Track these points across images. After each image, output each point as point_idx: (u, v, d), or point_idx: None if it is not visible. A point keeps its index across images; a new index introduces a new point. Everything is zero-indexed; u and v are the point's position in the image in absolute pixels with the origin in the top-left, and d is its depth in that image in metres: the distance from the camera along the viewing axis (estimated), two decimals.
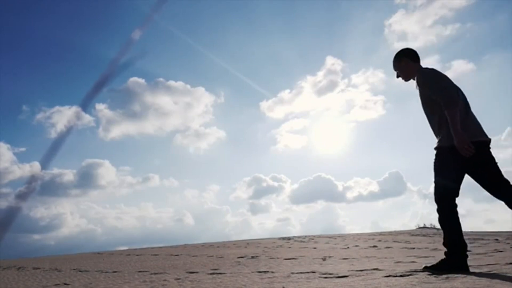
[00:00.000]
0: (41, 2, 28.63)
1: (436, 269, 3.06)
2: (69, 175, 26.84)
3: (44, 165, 0.73)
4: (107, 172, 27.58)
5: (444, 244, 3.11)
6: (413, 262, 4.24)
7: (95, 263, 6.64)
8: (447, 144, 3.04)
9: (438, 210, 3.12)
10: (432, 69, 3.21)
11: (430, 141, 3.57)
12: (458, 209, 3.09)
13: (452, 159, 3.02)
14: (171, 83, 29.11)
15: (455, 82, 3.20)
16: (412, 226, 17.18)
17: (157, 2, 0.86)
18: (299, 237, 12.46)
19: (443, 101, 3.00)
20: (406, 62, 3.28)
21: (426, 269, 3.14)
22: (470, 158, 2.95)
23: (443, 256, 3.11)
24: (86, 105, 0.74)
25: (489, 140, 3.08)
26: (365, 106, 29.91)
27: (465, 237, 3.06)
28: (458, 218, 3.06)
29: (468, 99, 3.23)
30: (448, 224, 3.07)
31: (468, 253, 3.10)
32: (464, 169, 3.09)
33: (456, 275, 2.77)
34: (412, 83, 3.39)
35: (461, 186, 3.13)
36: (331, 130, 32.54)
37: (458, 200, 3.11)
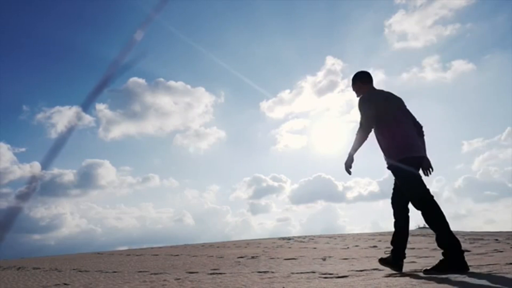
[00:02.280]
0: (41, 2, 28.64)
1: (436, 271, 3.06)
2: (69, 175, 26.86)
3: (45, 165, 0.73)
4: (107, 172, 27.62)
5: (439, 245, 3.13)
6: (413, 262, 4.24)
7: (95, 263, 6.64)
8: (397, 159, 3.28)
9: (424, 216, 3.20)
10: (366, 97, 3.47)
11: (429, 141, 3.58)
12: (458, 209, 3.13)
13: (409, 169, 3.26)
14: (171, 83, 29.14)
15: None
16: (412, 226, 17.18)
17: (157, 2, 0.86)
18: (299, 237, 12.44)
19: (360, 126, 3.39)
20: (358, 85, 3.65)
21: (426, 272, 3.14)
22: (417, 168, 3.31)
23: (442, 257, 3.12)
24: (87, 106, 0.74)
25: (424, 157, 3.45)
26: None
27: (465, 237, 3.08)
28: (444, 217, 3.12)
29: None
30: (438, 226, 3.10)
31: (468, 253, 3.11)
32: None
33: (456, 275, 2.77)
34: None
35: (462, 186, 3.17)
36: (331, 130, 32.42)
37: (457, 200, 3.16)
